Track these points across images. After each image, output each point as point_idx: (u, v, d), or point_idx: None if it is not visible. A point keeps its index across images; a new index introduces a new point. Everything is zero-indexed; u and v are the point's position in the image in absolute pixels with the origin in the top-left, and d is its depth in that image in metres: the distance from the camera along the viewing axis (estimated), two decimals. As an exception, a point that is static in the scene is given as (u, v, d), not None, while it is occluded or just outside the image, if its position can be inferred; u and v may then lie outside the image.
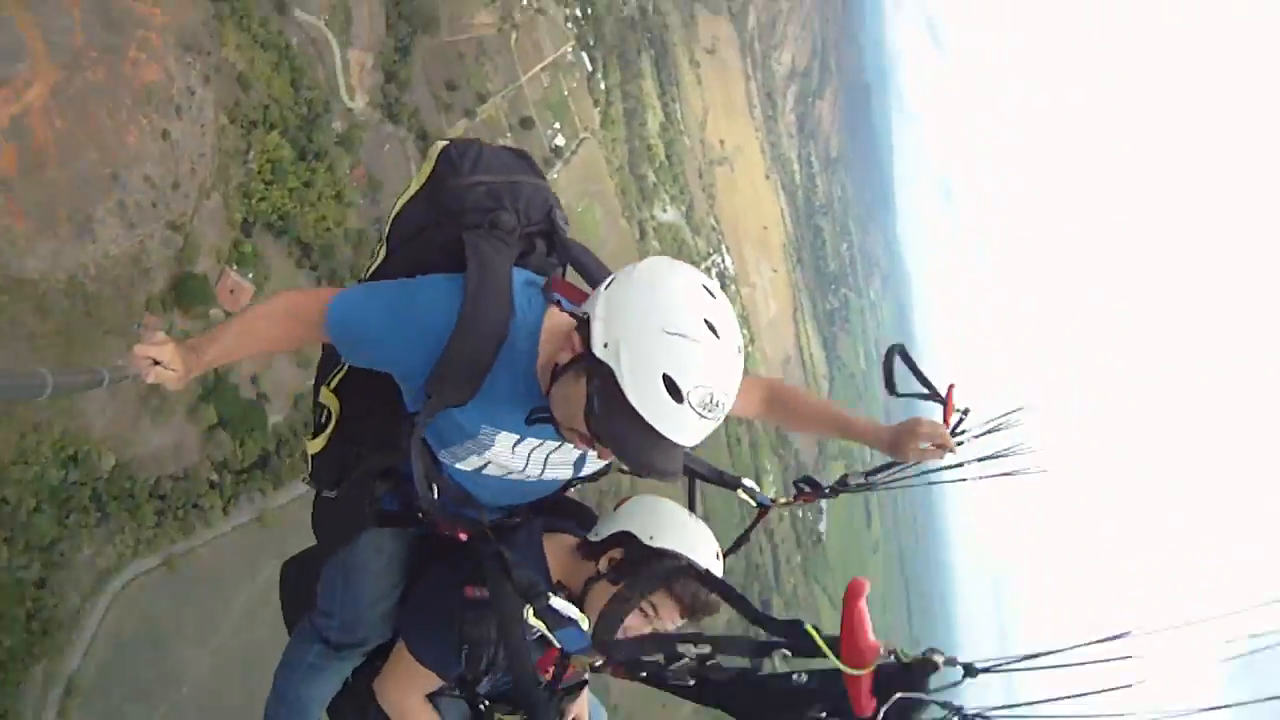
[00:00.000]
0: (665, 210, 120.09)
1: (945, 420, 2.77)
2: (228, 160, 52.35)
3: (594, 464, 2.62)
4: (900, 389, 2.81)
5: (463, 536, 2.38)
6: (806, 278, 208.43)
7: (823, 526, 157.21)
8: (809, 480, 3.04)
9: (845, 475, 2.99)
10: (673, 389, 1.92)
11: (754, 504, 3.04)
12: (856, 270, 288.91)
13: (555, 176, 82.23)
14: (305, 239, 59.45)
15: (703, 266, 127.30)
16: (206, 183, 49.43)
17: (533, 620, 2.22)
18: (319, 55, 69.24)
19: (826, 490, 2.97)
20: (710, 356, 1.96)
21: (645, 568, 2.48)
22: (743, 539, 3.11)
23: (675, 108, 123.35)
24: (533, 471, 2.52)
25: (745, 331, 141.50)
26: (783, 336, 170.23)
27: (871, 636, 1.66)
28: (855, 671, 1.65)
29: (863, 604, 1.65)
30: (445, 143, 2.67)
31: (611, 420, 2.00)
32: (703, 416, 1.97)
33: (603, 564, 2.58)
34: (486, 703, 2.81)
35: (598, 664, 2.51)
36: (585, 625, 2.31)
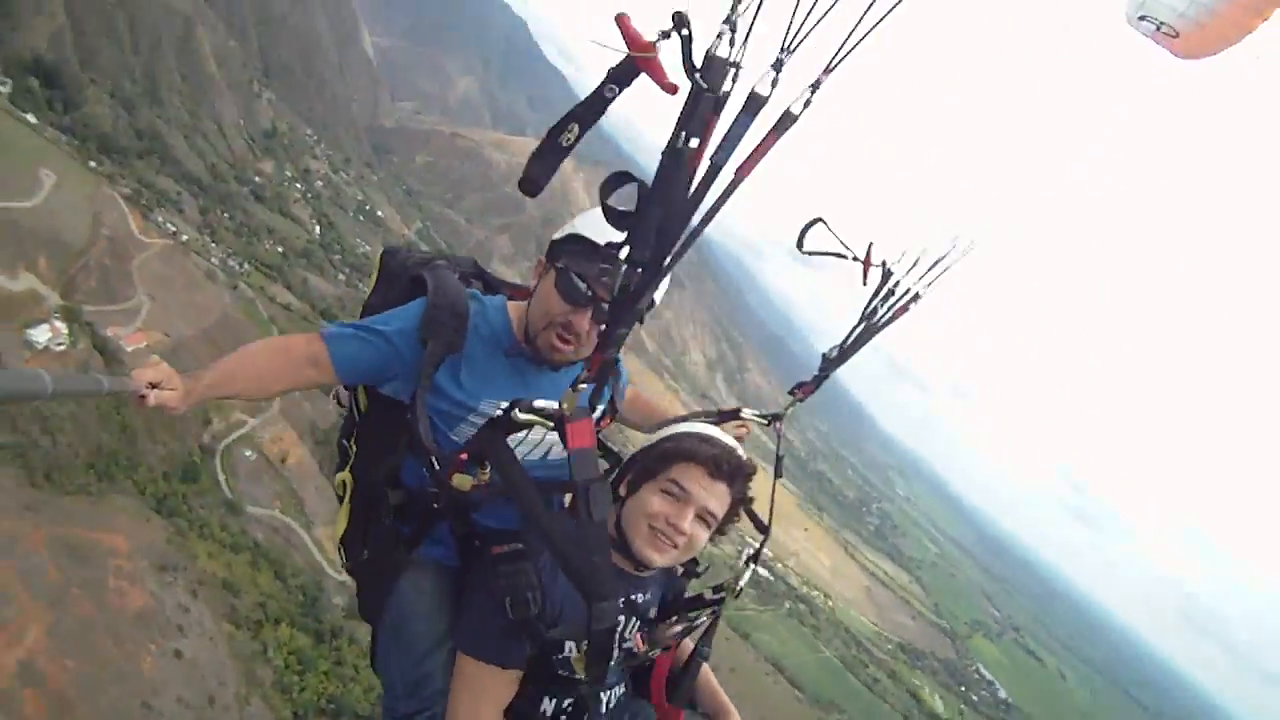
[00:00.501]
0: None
1: (864, 275, 3.00)
2: (250, 664, 51.41)
3: None
4: (812, 248, 2.93)
5: (464, 457, 2.43)
6: (837, 518, 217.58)
7: (1002, 694, 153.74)
8: (799, 384, 3.27)
9: (822, 356, 3.17)
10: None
11: (765, 422, 3.35)
12: (872, 483, 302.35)
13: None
14: (362, 713, 56.60)
15: (741, 564, 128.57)
16: (241, 691, 48.37)
17: (523, 416, 2.23)
18: (288, 541, 70.89)
19: (814, 380, 3.22)
20: None
21: (651, 453, 2.58)
22: (779, 461, 3.22)
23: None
24: (534, 439, 2.75)
25: (820, 595, 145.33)
26: (851, 576, 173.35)
27: (640, 34, 1.79)
28: (644, 54, 1.76)
29: (625, 17, 1.74)
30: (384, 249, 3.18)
31: (575, 260, 2.59)
32: None
33: (622, 490, 2.61)
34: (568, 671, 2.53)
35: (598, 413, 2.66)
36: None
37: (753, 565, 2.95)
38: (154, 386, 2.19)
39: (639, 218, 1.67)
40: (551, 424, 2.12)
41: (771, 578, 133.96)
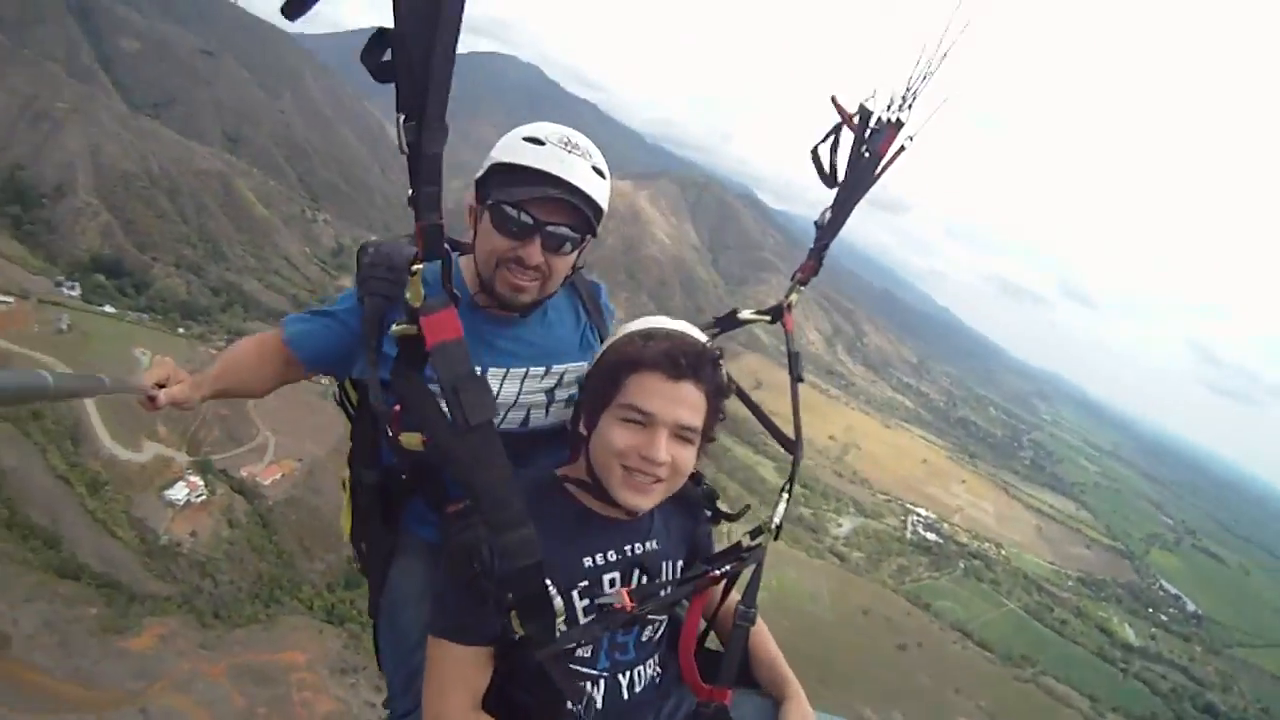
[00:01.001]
0: (841, 524, 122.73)
1: (851, 127, 2.76)
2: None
3: (567, 389, 2.61)
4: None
5: (398, 409, 2.20)
6: (992, 460, 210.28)
7: (1190, 607, 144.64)
8: (800, 268, 2.96)
9: (814, 224, 2.92)
10: (533, 140, 2.30)
11: (769, 320, 3.00)
12: (1017, 415, 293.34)
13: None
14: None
15: (907, 534, 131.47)
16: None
17: (398, 330, 1.93)
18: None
19: (812, 255, 2.93)
20: (559, 127, 2.40)
21: (598, 373, 2.18)
22: (793, 360, 2.97)
23: (771, 449, 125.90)
24: (508, 397, 2.51)
25: (991, 546, 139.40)
26: (1019, 518, 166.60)
27: None
28: None
29: None
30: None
31: (505, 190, 2.27)
32: (569, 151, 2.31)
33: (582, 427, 2.25)
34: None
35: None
36: None
37: (786, 495, 2.57)
38: (161, 386, 2.24)
39: (396, 66, 1.54)
40: (415, 329, 1.84)
41: (940, 540, 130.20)
